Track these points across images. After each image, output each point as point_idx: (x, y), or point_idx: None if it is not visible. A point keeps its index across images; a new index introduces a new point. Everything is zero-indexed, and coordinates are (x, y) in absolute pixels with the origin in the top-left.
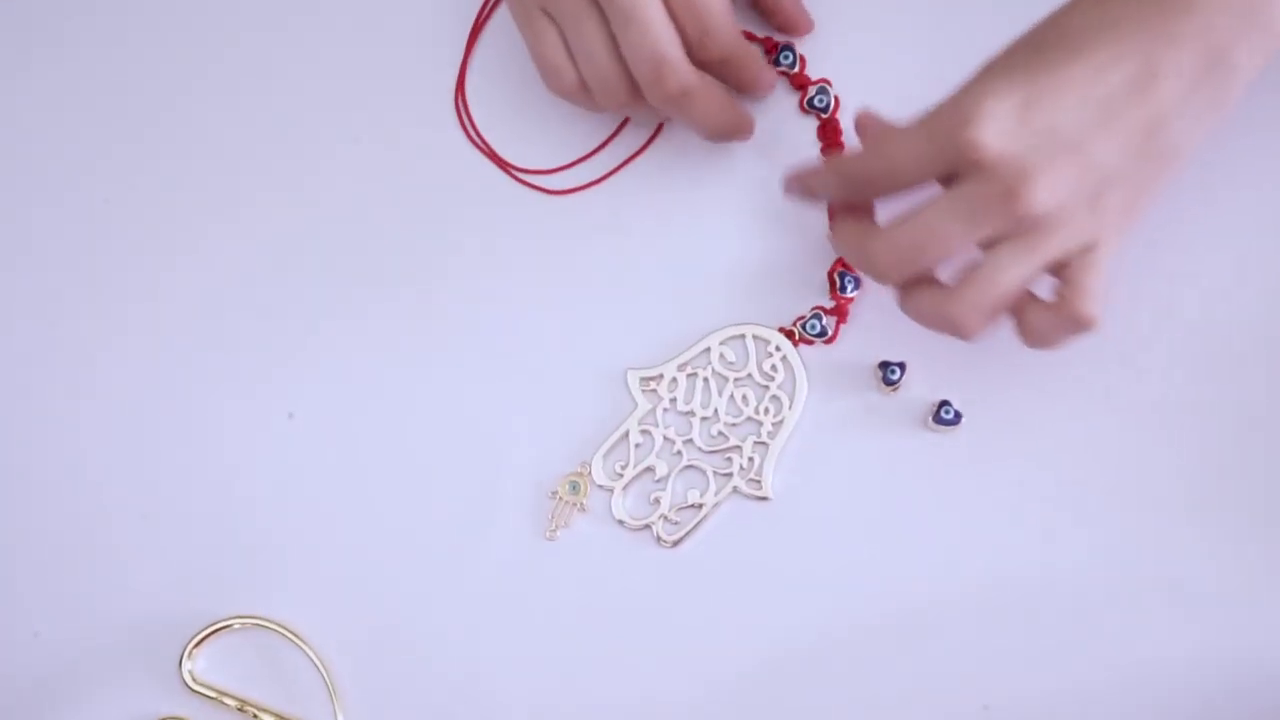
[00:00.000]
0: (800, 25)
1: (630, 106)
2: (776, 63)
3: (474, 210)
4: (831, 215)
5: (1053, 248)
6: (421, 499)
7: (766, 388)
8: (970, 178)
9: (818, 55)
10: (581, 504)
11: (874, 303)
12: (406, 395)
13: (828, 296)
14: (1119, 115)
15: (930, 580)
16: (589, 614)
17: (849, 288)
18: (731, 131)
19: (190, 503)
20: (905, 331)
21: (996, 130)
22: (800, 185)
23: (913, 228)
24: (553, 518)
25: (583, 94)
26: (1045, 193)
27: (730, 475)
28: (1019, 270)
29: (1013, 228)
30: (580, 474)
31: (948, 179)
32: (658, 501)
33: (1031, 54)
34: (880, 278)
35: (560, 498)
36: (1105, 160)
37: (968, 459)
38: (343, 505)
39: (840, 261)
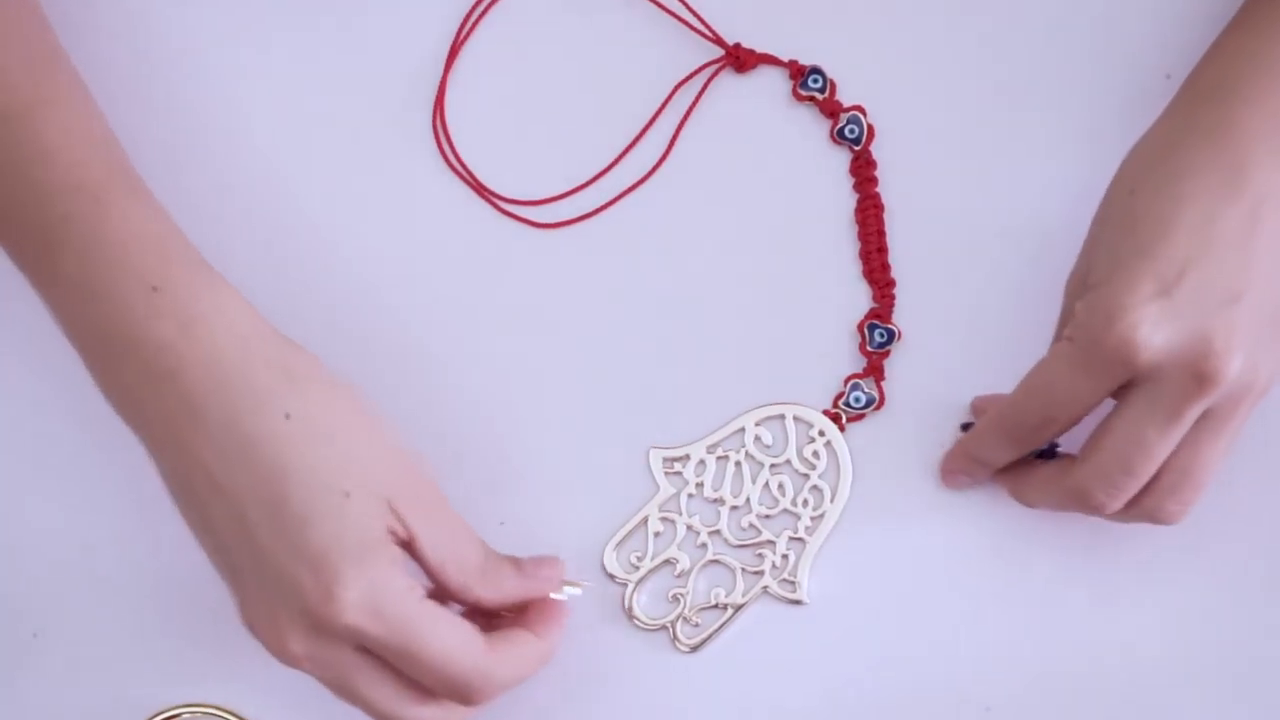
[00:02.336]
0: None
1: None
2: (804, 86)
3: (455, 249)
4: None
5: (1248, 406)
6: None
7: (806, 476)
8: (1149, 381)
9: (850, 79)
10: None
11: (909, 352)
12: None
13: (857, 351)
14: (1249, 243)
15: (983, 684)
16: None
17: (882, 341)
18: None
19: (137, 576)
20: (952, 381)
21: (1151, 323)
22: (963, 466)
23: (1114, 450)
24: None
25: None
26: (1236, 357)
27: (761, 574)
28: (1224, 444)
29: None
30: None
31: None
32: (677, 599)
33: (1130, 228)
34: (1098, 510)
35: None
36: (1263, 291)
37: (1027, 540)
38: None
39: (872, 313)
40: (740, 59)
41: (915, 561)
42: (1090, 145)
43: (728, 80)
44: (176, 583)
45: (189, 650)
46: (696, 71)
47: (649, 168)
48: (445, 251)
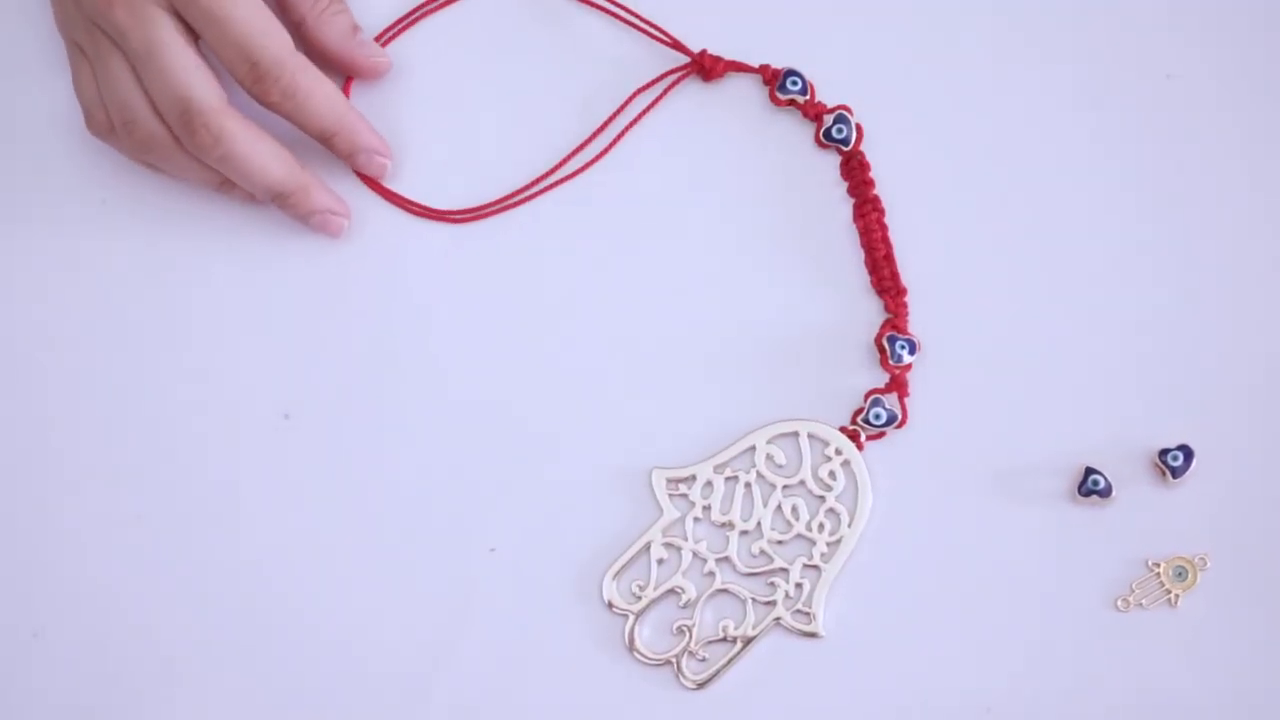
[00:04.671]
0: (363, 69)
1: (182, 161)
2: (783, 90)
3: (425, 261)
4: None
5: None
6: (377, 611)
7: (822, 499)
8: None
9: (825, 80)
10: None
11: (928, 364)
12: (362, 490)
13: (878, 365)
14: None
15: None
16: None
17: (904, 354)
18: (290, 193)
19: (137, 576)
20: (977, 393)
21: None
22: None
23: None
24: None
25: (119, 139)
26: None
27: (773, 604)
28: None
29: None
30: None
31: None
32: (682, 632)
33: None
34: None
35: None
36: None
37: (1059, 564)
38: (276, 613)
39: (889, 324)
40: (706, 66)
41: (938, 590)
42: (1091, 142)
43: (697, 90)
44: (176, 583)
45: (189, 651)
46: (657, 80)
47: (617, 177)
48: (418, 263)
